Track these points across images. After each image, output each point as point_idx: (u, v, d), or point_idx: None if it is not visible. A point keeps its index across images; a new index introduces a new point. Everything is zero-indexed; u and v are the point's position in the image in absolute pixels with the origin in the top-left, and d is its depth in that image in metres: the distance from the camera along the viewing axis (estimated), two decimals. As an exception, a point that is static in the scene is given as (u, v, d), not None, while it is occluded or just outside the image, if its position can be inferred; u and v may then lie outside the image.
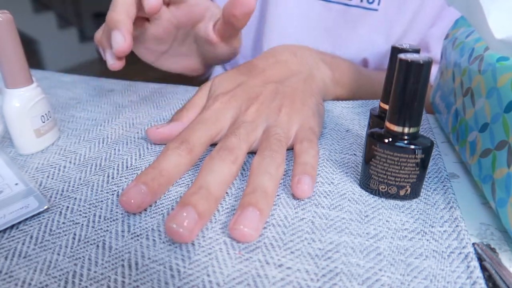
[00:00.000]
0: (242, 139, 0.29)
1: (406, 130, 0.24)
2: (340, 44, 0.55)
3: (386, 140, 0.25)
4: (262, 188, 0.24)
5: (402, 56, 0.22)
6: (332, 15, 0.54)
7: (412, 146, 0.24)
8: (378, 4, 0.52)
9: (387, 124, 0.25)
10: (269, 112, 0.32)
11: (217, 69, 0.65)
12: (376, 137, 0.25)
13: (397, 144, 0.24)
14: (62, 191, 0.27)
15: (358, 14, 0.53)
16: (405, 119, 0.24)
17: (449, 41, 0.38)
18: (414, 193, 0.26)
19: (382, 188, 0.26)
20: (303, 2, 0.54)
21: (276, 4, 0.55)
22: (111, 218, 0.25)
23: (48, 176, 0.29)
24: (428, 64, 0.22)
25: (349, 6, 0.53)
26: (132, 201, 0.24)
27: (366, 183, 0.27)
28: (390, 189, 0.25)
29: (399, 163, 0.24)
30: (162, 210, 0.25)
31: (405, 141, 0.24)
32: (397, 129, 0.24)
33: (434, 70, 0.55)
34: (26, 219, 0.24)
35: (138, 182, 0.25)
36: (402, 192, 0.25)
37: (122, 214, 0.25)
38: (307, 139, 0.30)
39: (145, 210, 0.25)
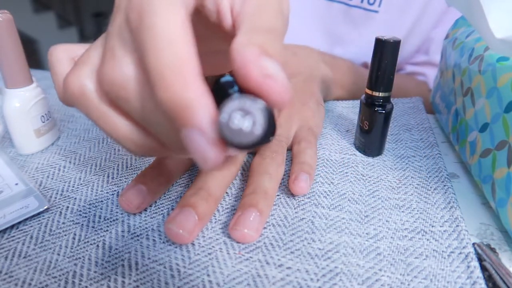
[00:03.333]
0: None
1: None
2: (341, 45, 0.55)
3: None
4: (262, 189, 0.24)
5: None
6: (333, 15, 0.54)
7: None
8: (379, 6, 0.52)
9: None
10: None
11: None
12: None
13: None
14: (62, 191, 0.27)
15: (359, 15, 0.53)
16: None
17: (449, 41, 0.38)
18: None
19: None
20: (303, 1, 0.54)
21: None
22: (111, 218, 0.25)
23: (48, 176, 0.29)
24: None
25: (349, 6, 0.52)
26: (132, 201, 0.24)
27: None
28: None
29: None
30: (162, 210, 0.25)
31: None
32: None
33: (434, 73, 0.55)
34: (26, 219, 0.24)
35: (138, 182, 0.25)
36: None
37: (122, 214, 0.25)
38: (306, 140, 0.30)
39: (145, 210, 0.25)
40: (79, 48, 0.22)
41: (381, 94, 0.29)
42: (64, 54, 0.21)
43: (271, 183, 0.25)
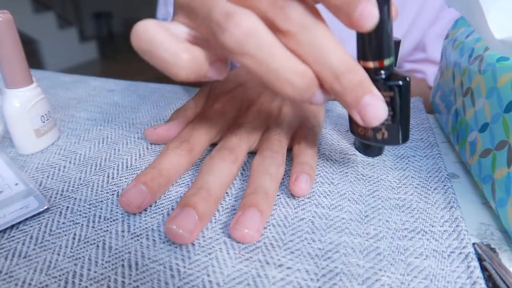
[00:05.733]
0: (242, 139, 0.29)
1: (385, 62, 0.23)
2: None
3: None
4: (263, 189, 0.24)
5: None
6: (332, 15, 0.54)
7: (383, 82, 0.23)
8: None
9: (360, 62, 0.23)
10: (269, 112, 0.32)
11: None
12: None
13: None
14: (62, 191, 0.27)
15: None
16: (375, 53, 0.22)
17: (449, 41, 0.38)
18: (393, 138, 0.24)
19: (360, 131, 0.26)
20: None
21: None
22: (111, 218, 0.25)
23: (48, 176, 0.29)
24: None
25: None
26: (132, 201, 0.24)
27: (351, 127, 0.27)
28: (366, 132, 0.25)
29: None
30: (162, 210, 0.25)
31: (380, 77, 0.23)
32: (369, 64, 0.23)
33: (434, 70, 0.55)
34: (26, 219, 0.24)
35: (138, 182, 0.25)
36: (379, 136, 0.24)
37: (122, 214, 0.25)
38: (306, 139, 0.30)
39: (145, 210, 0.25)
40: (162, 22, 0.21)
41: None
42: (157, 26, 0.20)
43: (271, 183, 0.25)
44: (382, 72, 0.23)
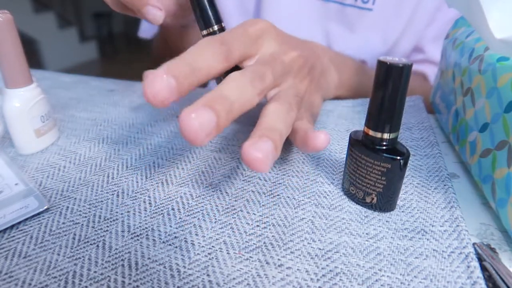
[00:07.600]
0: (275, 76, 0.27)
1: (384, 135, 0.23)
2: (337, 45, 0.55)
3: (361, 142, 0.25)
4: (278, 130, 0.23)
5: (381, 58, 0.22)
6: (329, 15, 0.54)
7: (382, 154, 0.23)
8: (373, 4, 0.52)
9: (365, 128, 0.24)
10: (298, 73, 0.32)
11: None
12: (352, 136, 0.25)
13: (368, 147, 0.24)
14: (62, 191, 0.27)
15: (354, 14, 0.53)
16: (381, 125, 0.23)
17: (449, 41, 0.38)
18: (381, 205, 0.25)
19: (352, 190, 0.26)
20: (301, 1, 0.54)
21: (271, 3, 0.55)
22: (111, 218, 0.25)
23: (48, 176, 0.29)
24: (408, 67, 0.21)
25: (344, 5, 0.53)
26: (158, 94, 0.21)
27: (343, 182, 0.27)
28: (357, 192, 0.25)
29: (365, 167, 0.24)
30: (162, 210, 0.25)
31: (383, 147, 0.24)
32: (372, 133, 0.24)
33: (434, 70, 0.55)
34: (26, 219, 0.24)
35: (168, 75, 0.22)
36: (368, 199, 0.25)
37: (122, 214, 0.25)
38: (307, 119, 0.30)
39: (145, 210, 0.25)
40: None
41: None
42: None
43: (285, 128, 0.24)
44: (385, 143, 0.24)
